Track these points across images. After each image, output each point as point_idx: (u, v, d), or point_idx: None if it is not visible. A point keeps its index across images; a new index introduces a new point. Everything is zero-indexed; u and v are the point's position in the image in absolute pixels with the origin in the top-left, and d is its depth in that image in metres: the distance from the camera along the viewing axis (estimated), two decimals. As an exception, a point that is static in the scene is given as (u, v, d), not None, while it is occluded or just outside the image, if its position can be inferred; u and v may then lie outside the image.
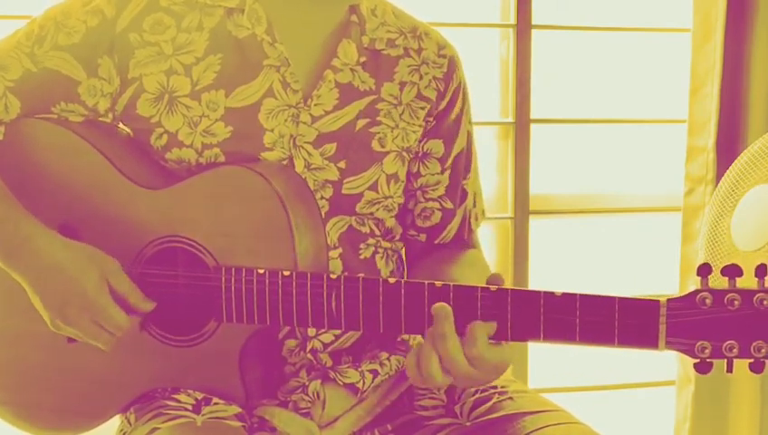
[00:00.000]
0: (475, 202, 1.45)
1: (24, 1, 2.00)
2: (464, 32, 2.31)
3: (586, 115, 2.47)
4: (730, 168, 1.93)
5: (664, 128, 2.50)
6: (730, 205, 1.88)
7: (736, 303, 1.06)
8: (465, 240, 1.44)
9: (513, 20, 2.33)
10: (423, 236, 1.42)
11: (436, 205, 1.40)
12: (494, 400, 1.30)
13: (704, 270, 1.07)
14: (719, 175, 2.12)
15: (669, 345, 1.08)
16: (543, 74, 2.38)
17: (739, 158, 1.92)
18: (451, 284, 1.13)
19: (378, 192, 1.32)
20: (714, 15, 2.25)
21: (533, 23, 2.33)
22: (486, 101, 2.35)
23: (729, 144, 2.29)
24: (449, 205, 1.41)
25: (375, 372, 1.31)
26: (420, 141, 1.37)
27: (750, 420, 2.37)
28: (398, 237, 1.38)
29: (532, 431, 1.23)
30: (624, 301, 1.09)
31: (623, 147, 2.51)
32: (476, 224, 1.46)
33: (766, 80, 2.27)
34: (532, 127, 2.36)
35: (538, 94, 2.35)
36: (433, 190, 1.40)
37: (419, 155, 1.38)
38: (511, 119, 2.35)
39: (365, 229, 1.33)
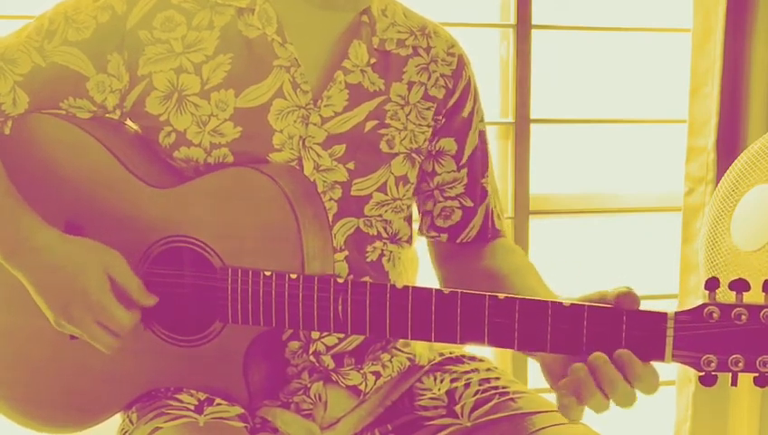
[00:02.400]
0: (496, 202, 1.45)
1: (24, 1, 2.00)
2: (464, 32, 2.30)
3: (586, 115, 2.47)
4: (730, 168, 1.93)
5: (664, 128, 2.50)
6: (730, 205, 1.88)
7: (743, 317, 1.06)
8: (488, 238, 1.43)
9: (513, 20, 2.32)
10: (444, 237, 1.42)
11: (456, 203, 1.40)
12: (494, 400, 1.30)
13: (711, 284, 1.07)
14: (719, 175, 2.12)
15: (676, 358, 1.08)
16: (543, 74, 2.37)
17: (739, 158, 1.92)
18: (459, 290, 1.13)
19: (387, 194, 1.32)
20: (714, 15, 2.25)
21: (533, 23, 2.33)
22: (486, 101, 2.34)
23: (729, 144, 2.28)
24: (469, 203, 1.41)
25: (377, 374, 1.31)
26: (431, 141, 1.37)
27: (750, 420, 2.37)
28: (405, 239, 1.38)
29: (532, 432, 1.24)
30: (631, 313, 1.08)
31: (623, 147, 2.51)
32: (500, 222, 1.46)
33: (766, 80, 2.27)
34: (532, 127, 2.36)
35: (538, 94, 2.35)
36: (451, 188, 1.40)
37: (433, 154, 1.38)
38: (511, 119, 2.35)
39: (372, 232, 1.33)
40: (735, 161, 1.92)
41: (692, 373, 2.32)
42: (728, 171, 1.93)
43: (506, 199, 2.38)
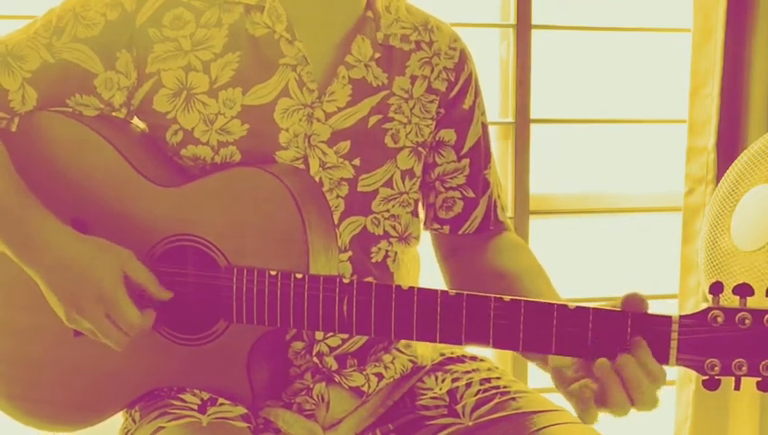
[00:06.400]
0: (499, 193, 1.45)
1: (24, 1, 2.00)
2: (464, 32, 2.29)
3: (586, 115, 2.47)
4: (730, 168, 1.93)
5: (664, 128, 2.50)
6: (730, 205, 1.88)
7: (747, 321, 1.06)
8: (490, 230, 1.43)
9: (513, 20, 2.33)
10: (446, 228, 1.41)
11: (458, 194, 1.40)
12: (495, 400, 1.30)
13: (716, 288, 1.07)
14: (719, 175, 2.12)
15: (680, 362, 1.08)
16: (543, 74, 2.38)
17: (739, 158, 1.92)
18: (464, 292, 1.13)
19: (393, 188, 1.33)
20: (714, 15, 2.25)
21: (533, 23, 2.33)
22: (486, 100, 2.34)
23: (729, 144, 2.29)
24: (471, 194, 1.41)
25: (380, 376, 1.31)
26: (432, 132, 1.37)
27: (750, 420, 2.37)
28: (415, 235, 1.38)
29: (533, 431, 1.24)
30: (636, 316, 1.08)
31: (623, 147, 2.51)
32: (503, 214, 1.45)
33: (766, 80, 2.27)
34: (532, 127, 2.36)
35: (538, 94, 2.35)
36: (452, 179, 1.40)
37: (433, 145, 1.38)
38: (511, 119, 2.35)
39: (379, 231, 1.32)
40: (735, 161, 1.92)
41: (693, 374, 2.31)
42: (728, 171, 1.93)
43: (506, 199, 2.38)
